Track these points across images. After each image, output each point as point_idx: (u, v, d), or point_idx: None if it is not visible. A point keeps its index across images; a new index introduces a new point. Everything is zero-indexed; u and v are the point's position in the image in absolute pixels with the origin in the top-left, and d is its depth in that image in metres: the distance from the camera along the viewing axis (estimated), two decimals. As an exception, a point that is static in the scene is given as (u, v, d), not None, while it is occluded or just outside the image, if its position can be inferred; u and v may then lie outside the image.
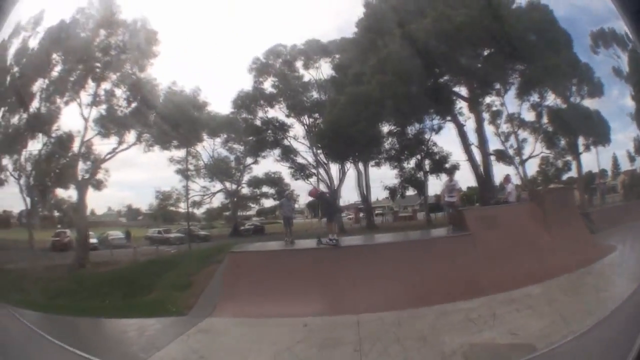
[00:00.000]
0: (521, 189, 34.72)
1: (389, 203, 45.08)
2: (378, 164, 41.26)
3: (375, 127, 38.82)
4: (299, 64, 42.21)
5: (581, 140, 35.05)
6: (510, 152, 38.00)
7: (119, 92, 34.68)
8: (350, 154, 40.15)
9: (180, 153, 39.28)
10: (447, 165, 39.75)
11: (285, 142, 42.83)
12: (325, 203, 26.31)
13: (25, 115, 33.03)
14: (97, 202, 39.27)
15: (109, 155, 34.77)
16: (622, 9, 8.76)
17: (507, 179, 31.40)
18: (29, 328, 17.85)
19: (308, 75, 42.08)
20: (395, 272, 21.66)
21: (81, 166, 34.39)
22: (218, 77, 41.07)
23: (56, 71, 33.12)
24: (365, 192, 42.11)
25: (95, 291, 25.36)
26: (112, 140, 34.69)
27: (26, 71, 32.19)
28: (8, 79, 31.98)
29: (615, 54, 30.58)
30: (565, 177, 36.70)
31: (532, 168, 37.90)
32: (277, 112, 42.64)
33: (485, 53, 35.50)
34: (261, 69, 41.65)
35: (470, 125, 38.01)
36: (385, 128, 40.34)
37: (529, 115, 37.39)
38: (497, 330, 16.42)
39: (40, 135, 33.86)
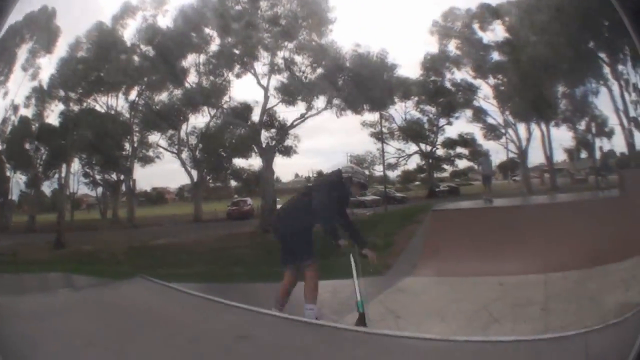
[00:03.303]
0: None
1: (566, 165, 44.79)
2: (557, 125, 41.39)
3: (552, 88, 39.55)
4: (475, 27, 42.20)
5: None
6: None
7: (299, 59, 36.64)
8: (533, 115, 40.97)
9: (372, 117, 40.23)
10: (606, 129, 39.47)
11: (475, 102, 42.88)
12: None
13: (178, 92, 36.41)
14: (282, 169, 40.76)
15: (297, 122, 37.00)
16: (622, 8, 9.32)
17: None
18: (204, 299, 18.34)
19: (486, 37, 42.14)
20: (578, 231, 22.54)
21: (265, 134, 36.89)
22: (399, 40, 40.29)
23: (215, 45, 35.84)
24: (549, 153, 42.46)
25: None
26: (299, 107, 36.90)
27: (168, 49, 34.63)
28: (136, 59, 35.18)
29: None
30: None
31: None
32: (464, 74, 42.67)
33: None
34: (443, 32, 41.99)
35: (616, 91, 37.87)
36: (560, 89, 40.44)
37: None
38: (635, 290, 17.18)
39: (205, 108, 36.88)
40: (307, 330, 14.82)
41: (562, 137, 41.59)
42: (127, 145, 37.47)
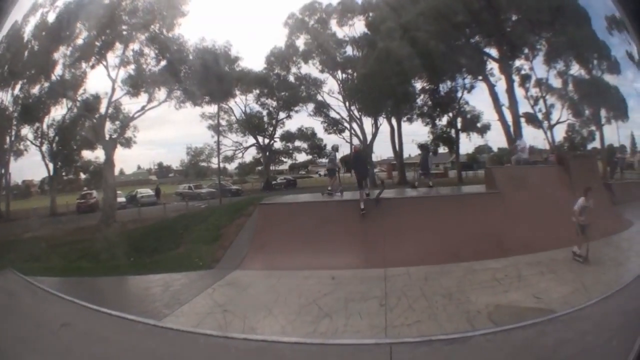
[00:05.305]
0: (549, 152, 34.77)
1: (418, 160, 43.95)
2: (410, 120, 41.08)
3: (408, 83, 38.52)
4: (332, 22, 41.81)
5: (603, 113, 35.04)
6: (539, 116, 37.79)
7: (146, 51, 34.71)
8: (383, 109, 40.05)
9: (211, 109, 39.22)
10: (478, 125, 39.62)
11: (319, 97, 42.55)
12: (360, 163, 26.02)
13: (46, 84, 33.34)
14: (127, 161, 39.80)
15: (138, 114, 34.90)
16: (622, 9, 8.99)
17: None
18: (45, 292, 18.38)
19: (342, 32, 41.84)
20: (425, 227, 21.68)
21: (109, 126, 34.49)
22: (250, 33, 40.36)
23: (81, 38, 33.10)
24: (398, 148, 42.09)
25: (121, 250, 24.99)
26: (142, 99, 34.84)
27: (46, 43, 32.44)
28: (26, 53, 32.47)
29: (627, 40, 30.38)
30: (589, 146, 36.64)
31: (559, 134, 37.72)
32: (311, 68, 42.24)
33: (514, 18, 35.56)
34: (296, 26, 41.48)
35: (501, 86, 37.67)
36: (418, 84, 40.02)
37: (556, 82, 37.04)
38: (522, 292, 16.43)
39: (64, 100, 34.16)
40: (117, 323, 15.22)
41: (418, 131, 41.70)
42: (7, 139, 34.32)
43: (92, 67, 33.46)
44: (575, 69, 35.44)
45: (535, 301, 15.48)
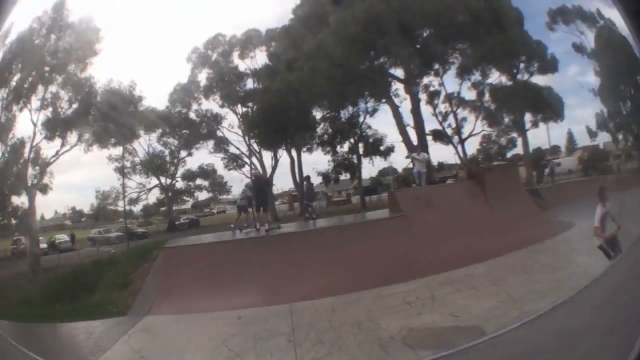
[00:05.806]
0: (459, 167, 35.32)
1: (322, 189, 44.25)
2: (310, 150, 41.54)
3: (308, 113, 38.91)
4: (235, 54, 41.93)
5: (529, 117, 35.26)
6: (449, 131, 38.21)
7: (62, 93, 34.41)
8: (282, 141, 40.15)
9: (117, 151, 38.40)
10: (381, 148, 40.10)
11: (219, 132, 42.76)
12: (261, 190, 27.32)
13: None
14: (47, 206, 38.82)
15: (53, 158, 34.51)
16: (622, 9, 8.99)
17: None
18: None
19: (243, 64, 42.09)
20: (328, 258, 21.75)
21: (30, 172, 33.99)
22: (157, 70, 38.98)
23: (14, 80, 32.43)
24: (298, 179, 42.26)
25: (46, 297, 25.38)
26: (57, 143, 34.52)
27: None
28: None
29: (578, 30, 30.42)
30: (510, 154, 37.05)
31: (472, 147, 38.32)
32: (211, 104, 42.39)
33: (425, 34, 35.53)
34: (198, 60, 41.48)
35: (406, 106, 37.86)
36: (318, 114, 40.48)
37: (470, 94, 37.52)
38: (438, 312, 16.35)
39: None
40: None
41: (318, 160, 41.94)
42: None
43: (21, 109, 32.94)
44: (495, 77, 35.90)
45: (453, 320, 15.35)
